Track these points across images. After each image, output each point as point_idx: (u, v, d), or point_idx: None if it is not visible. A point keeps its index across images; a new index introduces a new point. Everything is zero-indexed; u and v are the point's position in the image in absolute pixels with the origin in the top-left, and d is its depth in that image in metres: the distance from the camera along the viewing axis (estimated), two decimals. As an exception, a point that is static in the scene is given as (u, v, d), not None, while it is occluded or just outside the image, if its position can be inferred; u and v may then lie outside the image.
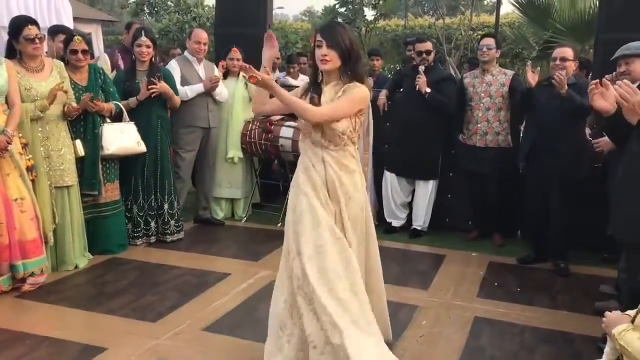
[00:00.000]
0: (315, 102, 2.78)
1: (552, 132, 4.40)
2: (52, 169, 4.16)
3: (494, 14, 12.00)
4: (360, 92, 2.75)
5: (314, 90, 2.84)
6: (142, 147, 4.64)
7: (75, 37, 4.41)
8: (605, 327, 2.22)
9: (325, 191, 2.79)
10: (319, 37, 2.73)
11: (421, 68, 5.17)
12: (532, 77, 4.58)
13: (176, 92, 4.94)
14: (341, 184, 2.79)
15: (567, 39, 8.21)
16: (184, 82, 5.19)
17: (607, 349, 2.24)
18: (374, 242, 3.10)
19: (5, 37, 4.70)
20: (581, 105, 4.25)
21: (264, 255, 4.77)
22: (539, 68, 9.60)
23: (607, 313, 2.26)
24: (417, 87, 5.12)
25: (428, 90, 5.11)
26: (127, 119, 4.64)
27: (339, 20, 13.91)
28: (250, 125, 5.60)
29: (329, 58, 2.71)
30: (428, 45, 5.30)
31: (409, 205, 5.56)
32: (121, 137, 4.54)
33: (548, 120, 4.41)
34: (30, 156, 3.99)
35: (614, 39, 4.47)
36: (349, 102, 2.73)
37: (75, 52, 4.38)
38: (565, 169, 4.41)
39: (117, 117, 4.62)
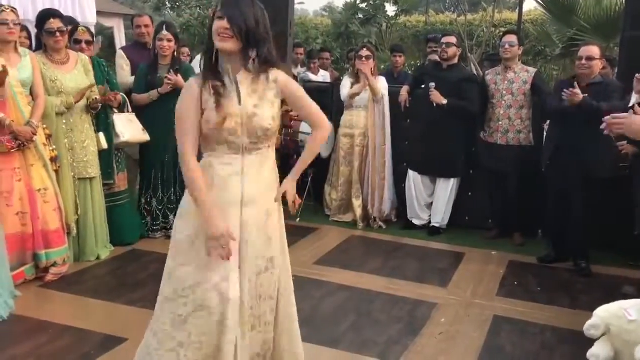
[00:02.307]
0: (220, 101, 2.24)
1: (577, 130, 4.34)
2: (75, 161, 4.22)
3: (517, 10, 11.87)
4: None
5: (215, 77, 2.25)
6: (147, 136, 4.71)
7: (80, 28, 4.57)
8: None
9: None
10: (219, 8, 2.22)
11: (432, 85, 5.16)
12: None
13: None
14: None
15: (591, 36, 8.10)
16: None
17: None
18: None
19: (31, 30, 4.78)
20: (598, 111, 4.19)
21: (282, 250, 4.78)
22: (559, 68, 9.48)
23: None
24: (434, 103, 5.12)
25: (444, 101, 5.10)
26: (130, 109, 4.72)
27: (360, 15, 13.87)
28: (270, 120, 5.61)
29: (230, 34, 2.18)
30: (450, 39, 5.29)
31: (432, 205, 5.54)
32: (131, 126, 4.64)
33: (573, 120, 4.35)
34: (54, 147, 4.06)
35: (640, 37, 4.41)
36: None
37: (78, 42, 4.49)
38: (589, 168, 4.35)
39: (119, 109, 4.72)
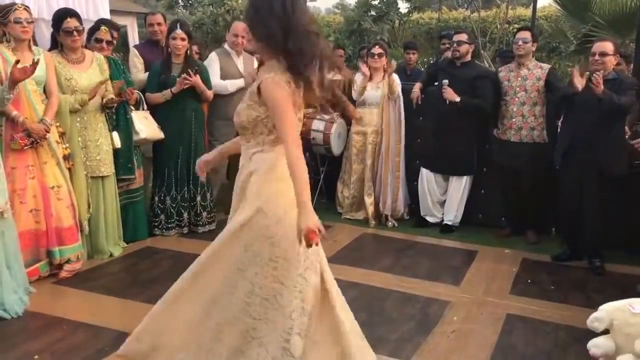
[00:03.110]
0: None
1: (591, 128, 4.30)
2: (88, 159, 4.26)
3: (531, 7, 11.78)
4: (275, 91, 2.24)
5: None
6: (162, 134, 4.77)
7: (102, 27, 4.58)
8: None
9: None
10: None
11: (445, 82, 5.12)
12: (580, 82, 4.30)
13: (209, 86, 4.98)
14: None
15: (606, 32, 8.00)
16: (223, 75, 5.24)
17: None
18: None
19: (45, 29, 4.82)
20: (618, 105, 4.15)
21: (294, 247, 4.79)
22: (577, 66, 9.40)
23: None
24: (447, 100, 5.09)
25: (457, 99, 5.07)
26: (145, 106, 4.76)
27: (372, 12, 13.82)
28: (283, 117, 5.61)
29: (249, 37, 2.33)
30: (461, 36, 5.26)
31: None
32: (147, 123, 4.70)
33: (586, 117, 4.30)
34: (67, 145, 4.09)
35: (656, 33, 4.36)
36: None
37: (100, 40, 4.52)
38: (602, 166, 4.31)
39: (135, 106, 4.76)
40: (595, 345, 2.62)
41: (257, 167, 2.35)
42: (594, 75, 4.16)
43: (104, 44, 4.56)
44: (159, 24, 5.43)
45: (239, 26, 5.36)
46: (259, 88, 2.27)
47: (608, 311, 2.55)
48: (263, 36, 2.24)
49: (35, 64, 3.59)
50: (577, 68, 4.60)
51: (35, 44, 4.27)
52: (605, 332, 2.73)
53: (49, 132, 3.83)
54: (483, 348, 3.26)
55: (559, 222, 5.02)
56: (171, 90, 4.78)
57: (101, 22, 4.85)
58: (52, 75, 4.00)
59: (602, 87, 4.13)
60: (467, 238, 5.21)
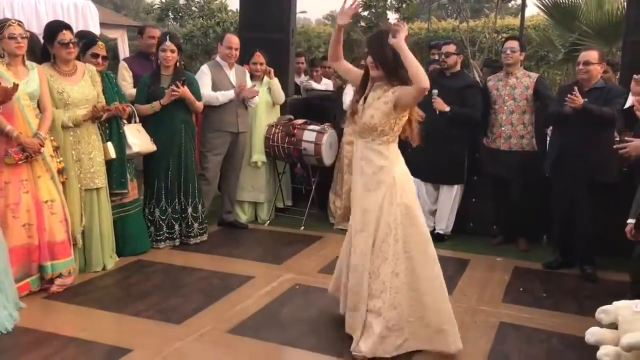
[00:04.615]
0: (354, 103, 3.32)
1: (580, 136, 4.34)
2: (82, 172, 4.23)
3: (519, 16, 11.89)
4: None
5: (360, 90, 3.32)
6: (154, 146, 4.76)
7: (99, 43, 4.55)
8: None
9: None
10: (367, 47, 3.25)
11: (434, 92, 5.13)
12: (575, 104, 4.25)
13: (199, 97, 4.98)
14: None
15: (593, 41, 8.10)
16: (215, 87, 5.24)
17: None
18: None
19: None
20: (600, 115, 4.19)
21: (286, 258, 4.79)
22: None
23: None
24: (437, 110, 5.10)
25: (447, 108, 5.09)
26: (137, 119, 4.75)
27: (362, 24, 13.91)
28: (274, 129, 5.63)
29: (374, 65, 3.16)
30: (448, 48, 5.27)
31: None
32: (139, 136, 4.68)
33: (575, 124, 4.34)
34: (61, 159, 4.06)
35: (642, 41, 4.41)
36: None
37: (96, 56, 4.51)
38: (593, 173, 4.35)
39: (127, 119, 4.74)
40: (606, 355, 2.67)
41: (391, 161, 3.35)
42: (567, 98, 4.21)
43: (100, 59, 4.55)
44: (156, 37, 5.41)
45: (234, 39, 5.36)
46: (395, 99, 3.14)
47: (618, 306, 2.69)
48: (384, 64, 3.13)
49: (13, 89, 3.55)
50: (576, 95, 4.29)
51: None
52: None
53: (43, 147, 3.81)
54: (476, 357, 3.27)
55: (551, 230, 5.05)
56: (160, 102, 4.78)
57: (86, 35, 4.82)
58: (46, 89, 3.98)
59: (579, 101, 4.18)
60: (458, 247, 5.22)
